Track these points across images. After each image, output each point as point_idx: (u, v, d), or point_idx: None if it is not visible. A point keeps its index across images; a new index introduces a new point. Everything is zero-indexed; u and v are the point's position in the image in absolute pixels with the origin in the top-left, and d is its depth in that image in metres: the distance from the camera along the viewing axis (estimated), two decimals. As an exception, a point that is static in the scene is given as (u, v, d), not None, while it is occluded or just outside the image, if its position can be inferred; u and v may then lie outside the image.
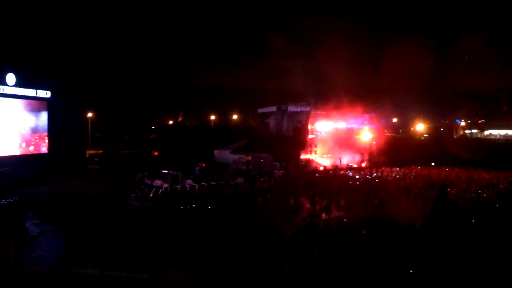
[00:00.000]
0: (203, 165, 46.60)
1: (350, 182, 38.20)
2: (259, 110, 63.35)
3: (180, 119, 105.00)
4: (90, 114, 64.74)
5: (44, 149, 42.61)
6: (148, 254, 16.44)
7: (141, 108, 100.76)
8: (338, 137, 57.19)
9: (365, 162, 57.65)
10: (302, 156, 52.67)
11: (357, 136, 59.82)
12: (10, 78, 37.96)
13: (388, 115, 75.41)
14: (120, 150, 60.30)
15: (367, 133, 59.79)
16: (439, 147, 68.93)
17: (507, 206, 27.69)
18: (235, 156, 52.29)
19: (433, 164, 56.40)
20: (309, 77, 76.42)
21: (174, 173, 37.69)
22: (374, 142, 61.11)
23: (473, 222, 22.11)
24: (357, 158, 58.05)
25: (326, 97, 58.24)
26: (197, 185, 34.36)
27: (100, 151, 55.60)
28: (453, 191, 33.85)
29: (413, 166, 53.05)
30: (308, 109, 55.05)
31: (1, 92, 37.16)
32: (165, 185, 34.70)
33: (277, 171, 44.40)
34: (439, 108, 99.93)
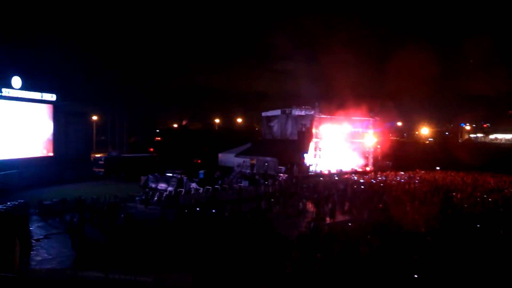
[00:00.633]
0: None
1: (355, 186, 38.10)
2: (263, 114, 63.38)
3: (184, 122, 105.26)
4: (95, 117, 64.98)
5: (49, 152, 42.79)
6: (152, 257, 16.45)
7: (146, 111, 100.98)
8: (343, 141, 57.05)
9: (370, 166, 57.52)
10: (306, 160, 52.60)
11: (361, 140, 59.68)
12: (16, 81, 38.19)
13: (393, 118, 75.25)
14: (125, 154, 60.48)
15: (371, 137, 59.65)
16: (444, 151, 68.74)
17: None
18: (239, 160, 52.32)
19: (438, 168, 56.18)
20: (313, 80, 76.37)
21: (179, 176, 37.75)
22: (378, 146, 60.92)
23: (478, 226, 21.99)
24: (362, 162, 57.92)
25: (330, 101, 58.18)
26: (201, 188, 34.39)
27: (105, 154, 55.78)
28: (458, 196, 33.72)
29: (417, 170, 52.86)
30: (312, 112, 54.98)
31: (7, 95, 37.39)
32: (170, 189, 34.77)
33: (281, 174, 44.36)
34: (444, 112, 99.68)
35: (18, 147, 39.14)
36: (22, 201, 26.38)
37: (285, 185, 39.37)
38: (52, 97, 41.93)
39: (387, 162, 59.53)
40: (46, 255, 18.92)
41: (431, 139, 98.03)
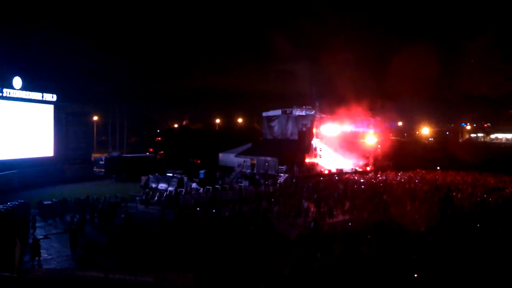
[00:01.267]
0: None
1: (355, 186, 38.12)
2: (264, 114, 63.33)
3: (185, 122, 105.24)
4: (95, 118, 65.01)
5: (50, 153, 42.84)
6: (153, 257, 16.48)
7: (147, 111, 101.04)
8: (343, 141, 57.07)
9: (370, 166, 57.53)
10: (307, 160, 52.61)
11: (362, 140, 59.69)
12: (17, 81, 38.24)
13: (394, 118, 75.18)
14: (125, 154, 60.54)
15: (372, 137, 59.66)
16: (444, 151, 68.70)
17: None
18: (240, 160, 52.31)
19: (438, 168, 56.17)
20: (314, 80, 76.28)
21: (179, 176, 37.79)
22: (379, 146, 60.94)
23: (478, 226, 21.99)
24: (362, 161, 57.93)
25: (331, 101, 58.19)
26: (201, 188, 34.39)
27: (106, 155, 55.84)
28: (459, 195, 33.73)
29: (418, 170, 52.85)
30: (313, 112, 55.00)
31: (8, 95, 37.44)
32: (170, 189, 34.80)
33: (281, 174, 44.37)
34: (445, 111, 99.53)
35: (19, 147, 39.18)
36: (22, 201, 26.45)
37: (285, 185, 39.39)
38: (52, 97, 41.98)
39: (388, 162, 59.54)
40: (46, 255, 18.93)
41: (432, 139, 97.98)
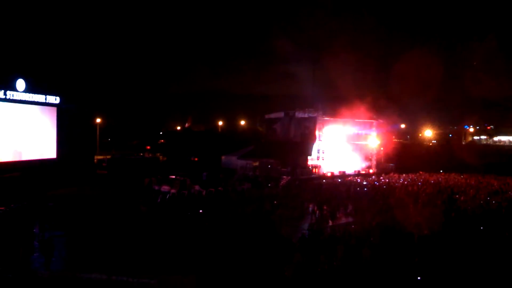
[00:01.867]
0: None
1: (358, 188, 38.05)
2: (267, 116, 63.39)
3: (187, 124, 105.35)
4: (98, 120, 65.12)
5: (53, 155, 42.88)
6: (155, 259, 16.48)
7: (149, 113, 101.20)
8: (346, 143, 57.03)
9: (373, 168, 57.44)
10: (310, 162, 52.58)
11: (365, 142, 59.60)
12: (20, 84, 38.32)
13: (396, 121, 75.13)
14: (128, 156, 60.57)
15: (375, 139, 59.57)
16: (447, 153, 68.57)
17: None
18: (243, 162, 52.31)
19: (441, 171, 56.04)
20: (316, 83, 76.30)
21: (182, 178, 37.78)
22: (382, 148, 60.87)
23: (482, 228, 21.94)
24: (365, 164, 57.85)
25: (333, 103, 58.17)
26: (204, 190, 34.38)
27: (108, 157, 55.88)
28: (462, 198, 33.64)
29: (421, 173, 52.73)
30: (315, 115, 55.00)
31: (11, 98, 37.51)
32: (173, 191, 34.78)
33: (284, 177, 44.34)
34: (448, 114, 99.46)
35: (22, 149, 39.26)
36: (25, 203, 26.51)
37: (288, 187, 39.35)
38: (56, 99, 42.04)
39: (390, 164, 59.44)
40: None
41: (435, 141, 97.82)
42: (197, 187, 35.72)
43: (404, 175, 50.47)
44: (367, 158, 58.59)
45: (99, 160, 52.82)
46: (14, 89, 37.81)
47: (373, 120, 59.64)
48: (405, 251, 17.07)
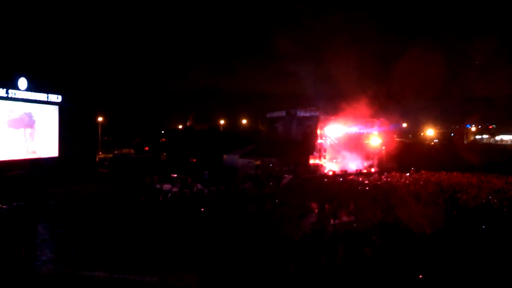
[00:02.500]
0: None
1: (359, 187, 38.02)
2: (268, 115, 63.42)
3: (189, 123, 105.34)
4: (100, 118, 65.24)
5: (54, 153, 42.98)
6: (157, 257, 16.50)
7: (151, 112, 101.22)
8: (348, 142, 57.01)
9: (375, 168, 57.41)
10: (311, 161, 52.59)
11: (366, 141, 59.57)
12: (22, 82, 38.42)
13: (398, 120, 75.04)
14: (130, 154, 60.67)
15: (376, 138, 59.54)
16: (449, 152, 68.51)
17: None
18: (244, 161, 52.35)
19: (442, 171, 55.98)
20: (318, 81, 76.32)
21: (183, 177, 37.82)
22: (383, 147, 60.82)
23: (484, 227, 21.91)
24: (367, 163, 57.83)
25: (335, 102, 58.16)
26: (206, 189, 34.43)
27: (110, 155, 55.97)
28: (464, 197, 33.60)
29: (423, 172, 52.68)
30: (317, 114, 55.01)
31: (13, 96, 37.62)
32: (174, 189, 34.83)
33: (286, 176, 44.35)
34: (450, 113, 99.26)
35: (23, 148, 39.35)
36: (27, 201, 26.54)
37: (290, 186, 39.35)
38: (57, 98, 42.14)
39: (392, 163, 59.39)
40: (51, 255, 18.97)
41: (436, 140, 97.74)
42: (199, 186, 35.77)
43: (406, 174, 50.43)
44: (369, 157, 58.58)
45: (101, 158, 52.88)
46: (16, 87, 37.90)
47: (375, 119, 59.61)
48: (406, 250, 17.05)
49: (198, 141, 70.56)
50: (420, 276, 14.28)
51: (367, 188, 37.87)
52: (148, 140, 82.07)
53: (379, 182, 42.80)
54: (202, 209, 27.11)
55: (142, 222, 23.41)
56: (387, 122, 61.77)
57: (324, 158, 53.96)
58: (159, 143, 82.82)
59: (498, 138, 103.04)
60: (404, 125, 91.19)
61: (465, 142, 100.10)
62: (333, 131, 55.70)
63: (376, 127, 59.90)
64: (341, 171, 51.86)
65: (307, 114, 56.12)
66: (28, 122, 39.80)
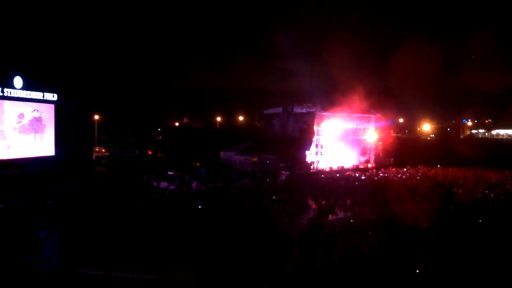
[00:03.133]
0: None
1: (356, 183, 38.12)
2: (265, 112, 63.42)
3: (185, 120, 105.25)
4: (96, 117, 65.07)
5: (51, 152, 42.85)
6: (155, 255, 16.50)
7: (147, 110, 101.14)
8: (344, 138, 57.06)
9: (371, 163, 57.54)
10: (308, 157, 52.65)
11: (363, 137, 59.67)
12: (18, 81, 38.24)
13: (395, 115, 75.21)
14: (126, 152, 60.55)
15: (373, 134, 59.66)
16: (445, 147, 68.72)
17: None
18: (241, 158, 52.38)
19: (439, 166, 56.18)
20: (314, 78, 76.33)
21: (180, 174, 37.81)
22: (380, 143, 60.95)
23: (480, 222, 22.01)
24: (363, 158, 57.95)
25: (332, 98, 58.20)
26: (203, 186, 34.42)
27: (107, 153, 55.86)
28: (460, 191, 33.74)
29: (419, 167, 52.85)
30: (313, 110, 55.03)
31: (9, 95, 37.44)
32: (171, 187, 34.82)
33: (283, 172, 44.41)
34: (446, 108, 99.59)
35: (19, 146, 39.21)
36: (24, 200, 26.49)
37: (287, 183, 39.42)
38: (53, 96, 41.95)
39: (389, 159, 59.55)
40: (48, 254, 18.96)
41: (433, 135, 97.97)
42: (196, 183, 35.78)
43: (402, 169, 50.57)
44: (366, 152, 58.70)
45: (97, 156, 52.76)
46: (12, 86, 37.73)
47: (371, 115, 59.69)
48: (403, 245, 17.12)
49: (195, 139, 70.49)
50: (417, 271, 14.32)
51: (364, 183, 37.96)
52: (144, 138, 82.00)
53: (375, 178, 42.91)
54: (199, 207, 27.10)
55: (140, 220, 23.40)
56: (383, 117, 61.88)
57: (321, 154, 54.02)
58: (156, 141, 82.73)
59: (494, 132, 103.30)
60: (401, 120, 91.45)
61: (461, 136, 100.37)
62: (329, 127, 55.72)
63: (372, 123, 60.01)
64: (338, 167, 51.95)
65: (304, 110, 56.11)
66: (24, 121, 39.64)
